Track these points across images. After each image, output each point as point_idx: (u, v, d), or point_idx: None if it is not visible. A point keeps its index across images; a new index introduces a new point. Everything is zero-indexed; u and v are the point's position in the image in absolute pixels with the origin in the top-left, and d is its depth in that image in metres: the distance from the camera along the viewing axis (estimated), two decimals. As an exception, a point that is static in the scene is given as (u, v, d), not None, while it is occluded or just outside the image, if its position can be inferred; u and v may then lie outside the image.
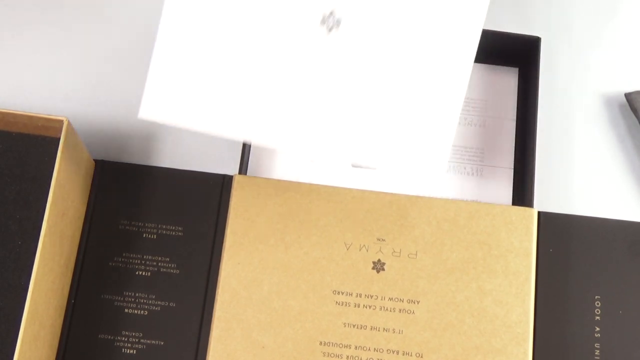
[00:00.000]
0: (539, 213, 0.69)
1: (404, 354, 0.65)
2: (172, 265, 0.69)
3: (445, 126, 0.58)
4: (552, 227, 0.70)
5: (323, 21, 0.56)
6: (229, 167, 0.71)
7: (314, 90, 0.55)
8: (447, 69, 0.58)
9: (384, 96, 0.56)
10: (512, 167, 0.74)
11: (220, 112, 0.53)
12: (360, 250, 0.68)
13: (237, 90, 0.54)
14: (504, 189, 0.74)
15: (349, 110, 0.55)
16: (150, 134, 0.74)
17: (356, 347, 0.66)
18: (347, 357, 0.65)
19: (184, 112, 0.53)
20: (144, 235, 0.69)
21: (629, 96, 0.75)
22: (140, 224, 0.69)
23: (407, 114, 0.57)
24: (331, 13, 0.56)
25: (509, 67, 0.77)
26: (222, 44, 0.54)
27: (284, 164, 0.73)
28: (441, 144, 0.58)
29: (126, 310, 0.67)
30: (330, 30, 0.56)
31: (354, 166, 0.73)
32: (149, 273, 0.68)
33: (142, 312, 0.67)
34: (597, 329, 0.68)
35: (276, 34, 0.55)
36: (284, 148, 0.55)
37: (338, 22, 0.56)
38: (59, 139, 0.62)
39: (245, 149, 0.70)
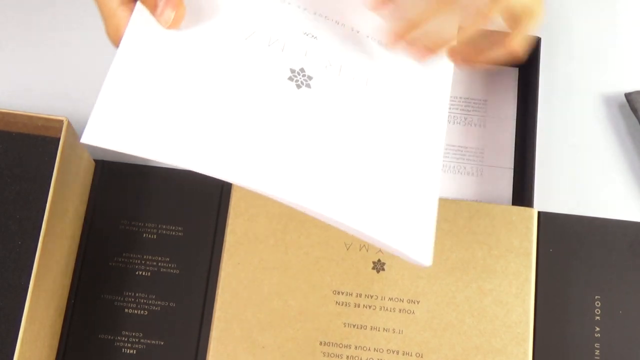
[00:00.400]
0: (539, 213, 0.69)
1: (404, 354, 0.65)
2: (172, 265, 0.69)
3: (426, 205, 0.54)
4: (552, 227, 0.70)
5: (291, 78, 0.56)
6: (229, 167, 0.71)
7: (274, 136, 0.53)
8: (422, 135, 0.57)
9: (358, 158, 0.54)
10: (512, 167, 0.74)
11: (173, 142, 0.51)
12: (360, 250, 0.68)
13: (196, 124, 0.51)
14: (504, 189, 0.74)
15: (319, 167, 0.53)
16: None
17: (356, 347, 0.66)
18: (347, 357, 0.65)
19: (132, 139, 0.50)
20: (144, 235, 0.69)
21: (629, 96, 0.75)
22: (140, 224, 0.69)
23: (382, 182, 0.54)
24: (301, 69, 0.56)
25: (509, 67, 0.77)
26: (183, 78, 0.53)
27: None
28: (423, 222, 0.54)
29: (126, 310, 0.67)
30: (299, 87, 0.55)
31: None
32: (149, 273, 0.68)
33: (142, 312, 0.67)
34: (597, 329, 0.68)
35: (243, 80, 0.54)
36: (236, 182, 0.52)
37: (308, 79, 0.56)
38: (59, 139, 0.62)
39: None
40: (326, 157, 0.54)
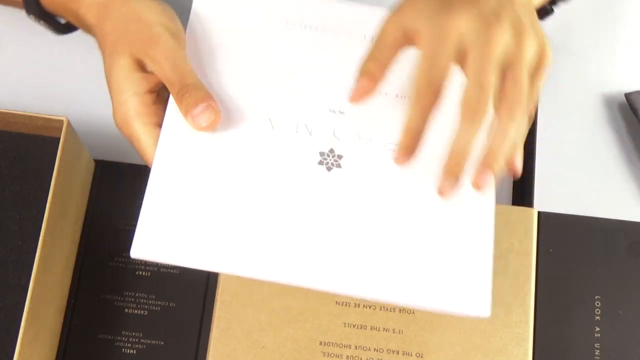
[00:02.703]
0: (539, 213, 0.69)
1: (404, 354, 0.65)
2: (172, 265, 0.69)
3: (479, 264, 0.55)
4: (552, 227, 0.70)
5: (321, 162, 0.56)
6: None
7: (316, 227, 0.53)
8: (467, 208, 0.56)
9: (395, 233, 0.54)
10: (512, 167, 0.74)
11: (219, 248, 0.52)
12: (360, 250, 0.67)
13: (236, 228, 0.52)
14: (504, 189, 0.74)
15: (359, 251, 0.53)
16: (150, 134, 0.74)
17: (356, 347, 0.66)
18: (347, 357, 0.65)
19: (180, 250, 0.51)
20: (144, 235, 0.69)
21: (629, 96, 0.75)
22: (140, 224, 0.69)
23: (425, 249, 0.54)
24: (330, 151, 0.56)
25: (509, 67, 0.77)
26: (219, 181, 0.53)
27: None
28: (477, 283, 0.55)
29: (126, 310, 0.67)
30: (329, 169, 0.55)
31: None
32: (149, 273, 0.68)
33: (142, 312, 0.67)
34: (597, 329, 0.68)
35: (275, 172, 0.54)
36: (291, 282, 0.53)
37: (339, 159, 0.56)
38: (59, 139, 0.62)
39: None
40: (364, 239, 0.53)
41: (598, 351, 0.67)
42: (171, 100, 0.55)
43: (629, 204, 0.74)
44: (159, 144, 0.55)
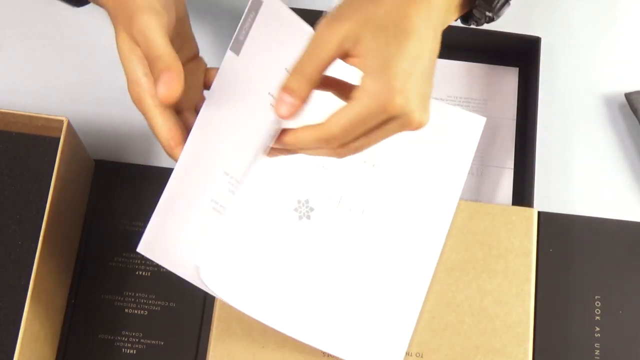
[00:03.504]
0: (539, 213, 0.69)
1: (404, 354, 0.65)
2: (172, 265, 0.69)
3: (404, 326, 0.62)
4: (552, 227, 0.70)
5: (296, 209, 0.60)
6: (229, 167, 0.71)
7: (281, 267, 0.59)
8: (410, 269, 0.62)
9: (338, 291, 0.61)
10: (512, 167, 0.74)
11: (204, 268, 0.58)
12: (360, 250, 0.68)
13: (218, 251, 0.58)
14: (504, 189, 0.74)
15: (310, 293, 0.60)
16: (150, 134, 0.74)
17: (356, 347, 0.66)
18: (347, 357, 0.65)
19: (176, 260, 0.57)
20: (144, 235, 0.69)
21: (629, 96, 0.75)
22: (140, 224, 0.69)
23: (368, 307, 0.61)
24: (306, 201, 0.60)
25: (509, 67, 0.77)
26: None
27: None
28: (398, 342, 0.62)
29: (126, 310, 0.67)
30: (300, 218, 0.60)
31: None
32: (149, 273, 0.68)
33: (142, 312, 0.67)
34: (597, 329, 0.68)
35: (259, 212, 0.59)
36: (251, 314, 0.60)
37: (310, 211, 0.60)
38: (59, 139, 0.62)
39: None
40: (310, 288, 0.60)
41: (598, 351, 0.67)
42: (199, 115, 0.57)
43: (629, 204, 0.74)
44: (180, 157, 0.56)
